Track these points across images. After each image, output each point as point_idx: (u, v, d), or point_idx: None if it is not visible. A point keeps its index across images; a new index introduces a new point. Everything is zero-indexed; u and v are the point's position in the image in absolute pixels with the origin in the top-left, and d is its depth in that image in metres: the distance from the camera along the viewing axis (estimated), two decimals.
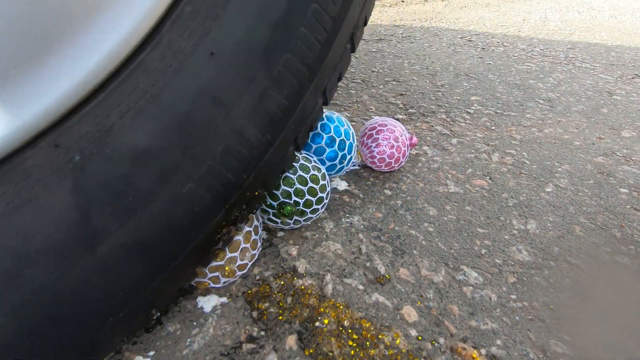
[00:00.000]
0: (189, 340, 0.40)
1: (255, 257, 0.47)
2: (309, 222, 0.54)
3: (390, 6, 2.42)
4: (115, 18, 0.29)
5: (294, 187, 0.48)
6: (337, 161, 0.60)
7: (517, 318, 0.43)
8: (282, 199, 0.48)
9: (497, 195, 0.64)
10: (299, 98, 0.40)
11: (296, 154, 0.49)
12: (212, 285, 0.44)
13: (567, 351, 0.40)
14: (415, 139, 0.67)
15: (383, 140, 0.64)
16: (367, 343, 0.40)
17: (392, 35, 1.71)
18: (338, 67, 0.45)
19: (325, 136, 0.57)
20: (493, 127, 0.88)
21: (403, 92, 1.08)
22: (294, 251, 0.51)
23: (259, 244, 0.47)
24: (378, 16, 2.12)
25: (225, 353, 0.39)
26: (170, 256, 0.35)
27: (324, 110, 0.61)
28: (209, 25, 0.32)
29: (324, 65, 0.41)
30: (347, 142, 0.60)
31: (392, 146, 0.64)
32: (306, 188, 0.48)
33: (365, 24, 0.49)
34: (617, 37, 1.74)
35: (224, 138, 0.34)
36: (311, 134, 0.58)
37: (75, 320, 0.30)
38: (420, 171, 0.70)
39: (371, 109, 0.97)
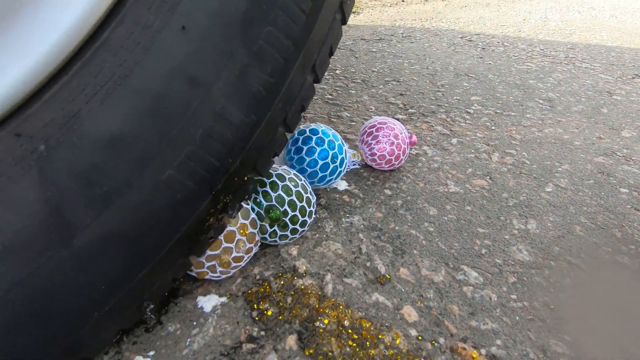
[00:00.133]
0: (189, 340, 0.40)
1: (253, 251, 0.46)
2: (292, 237, 0.51)
3: (390, 6, 2.42)
4: None
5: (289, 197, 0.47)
6: (327, 173, 0.59)
7: (517, 318, 0.43)
8: (271, 204, 0.47)
9: (497, 195, 0.64)
10: (285, 75, 0.37)
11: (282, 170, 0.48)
12: (210, 275, 0.44)
13: (567, 351, 0.40)
14: (414, 138, 0.67)
15: (383, 137, 0.64)
16: (367, 343, 0.40)
17: (392, 35, 1.71)
18: (328, 40, 0.42)
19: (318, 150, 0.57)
20: (493, 127, 0.88)
21: (403, 92, 1.08)
22: (294, 251, 0.51)
23: (257, 238, 0.46)
24: (378, 16, 2.12)
25: (225, 353, 0.39)
26: (155, 247, 0.34)
27: (322, 126, 0.60)
28: None
29: (310, 38, 0.38)
30: (340, 157, 0.60)
31: (392, 143, 0.64)
32: (297, 205, 0.48)
33: None
34: (617, 37, 1.74)
35: (203, 120, 0.32)
36: (305, 146, 0.57)
37: (55, 316, 0.30)
38: (421, 171, 0.70)
39: (371, 108, 0.97)
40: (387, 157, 0.64)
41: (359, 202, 0.61)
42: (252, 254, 0.46)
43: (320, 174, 0.58)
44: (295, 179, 0.49)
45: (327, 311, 0.43)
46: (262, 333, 0.41)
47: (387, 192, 0.64)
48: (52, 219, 0.28)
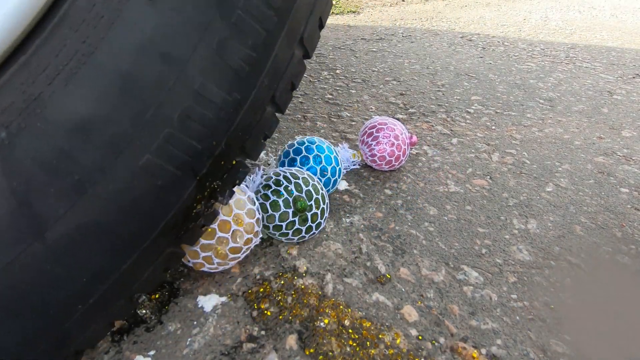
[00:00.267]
0: (189, 339, 0.40)
1: (253, 242, 0.45)
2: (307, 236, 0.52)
3: (390, 5, 2.42)
4: None
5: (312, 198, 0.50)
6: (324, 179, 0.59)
7: (517, 318, 0.43)
8: (301, 194, 0.48)
9: (497, 195, 0.64)
10: (269, 48, 0.34)
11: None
12: (208, 267, 0.43)
13: (567, 351, 0.40)
14: (415, 138, 0.67)
15: (383, 138, 0.64)
16: (368, 343, 0.40)
17: (392, 34, 1.71)
18: (316, 9, 0.38)
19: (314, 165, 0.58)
20: (493, 127, 0.88)
21: (403, 92, 1.08)
22: (294, 251, 0.51)
23: (257, 229, 0.45)
24: (378, 15, 2.12)
25: (226, 352, 0.39)
26: (138, 236, 0.32)
27: (307, 139, 0.59)
28: None
29: (295, 7, 0.35)
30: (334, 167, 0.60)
31: (393, 144, 0.64)
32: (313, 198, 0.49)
33: None
34: (617, 36, 1.73)
35: (180, 100, 0.30)
36: (299, 157, 0.56)
37: (34, 311, 0.28)
38: (421, 171, 0.70)
39: (371, 108, 0.97)
40: (387, 158, 0.64)
41: (359, 202, 0.61)
42: (251, 245, 0.45)
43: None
44: (318, 185, 0.52)
45: (327, 311, 0.43)
46: (263, 333, 0.41)
47: (387, 192, 0.64)
48: (21, 211, 0.26)
